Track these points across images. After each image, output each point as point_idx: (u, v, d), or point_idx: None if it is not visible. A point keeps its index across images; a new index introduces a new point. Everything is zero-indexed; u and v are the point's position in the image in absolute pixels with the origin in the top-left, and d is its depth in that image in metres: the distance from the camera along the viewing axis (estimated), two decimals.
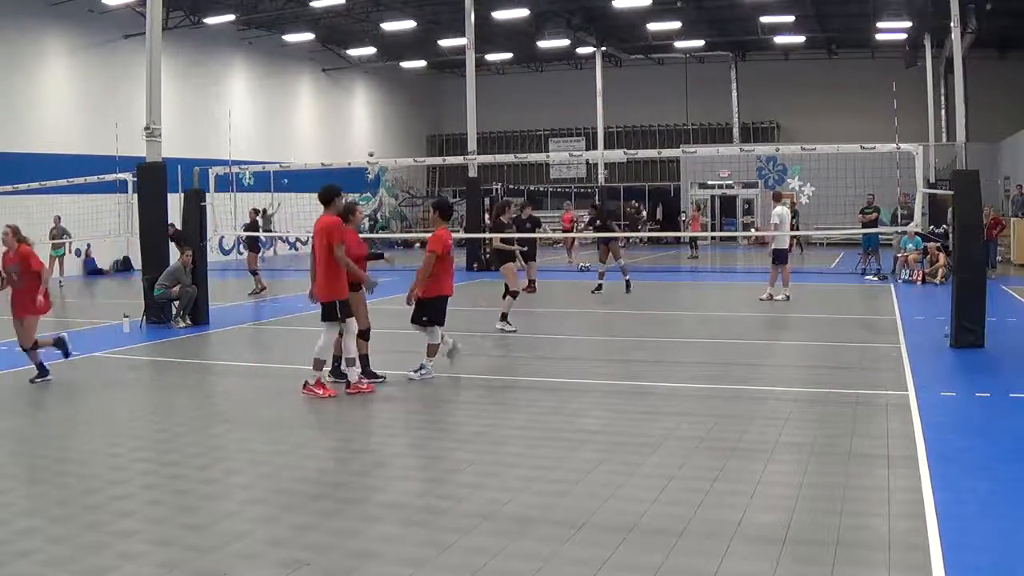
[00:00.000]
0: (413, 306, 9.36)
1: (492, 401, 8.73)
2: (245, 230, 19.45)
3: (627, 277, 17.54)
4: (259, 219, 20.00)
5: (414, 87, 41.86)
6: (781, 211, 16.53)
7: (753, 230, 32.36)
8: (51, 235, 21.14)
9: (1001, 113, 31.39)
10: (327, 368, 8.90)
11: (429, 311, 9.28)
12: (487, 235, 18.48)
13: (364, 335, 9.12)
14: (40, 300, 9.46)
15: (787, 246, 16.66)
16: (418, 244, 34.70)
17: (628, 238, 29.56)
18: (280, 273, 25.60)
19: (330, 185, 8.99)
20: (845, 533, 4.89)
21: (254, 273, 19.08)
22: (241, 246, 27.69)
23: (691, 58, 38.00)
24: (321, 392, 8.51)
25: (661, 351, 11.30)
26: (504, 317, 12.55)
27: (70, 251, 23.92)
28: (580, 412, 8.07)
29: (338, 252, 8.47)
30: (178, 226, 16.31)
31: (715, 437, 6.99)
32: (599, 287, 17.49)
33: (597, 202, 22.88)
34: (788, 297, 15.92)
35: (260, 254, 20.51)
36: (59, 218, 21.33)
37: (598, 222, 18.92)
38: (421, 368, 9.33)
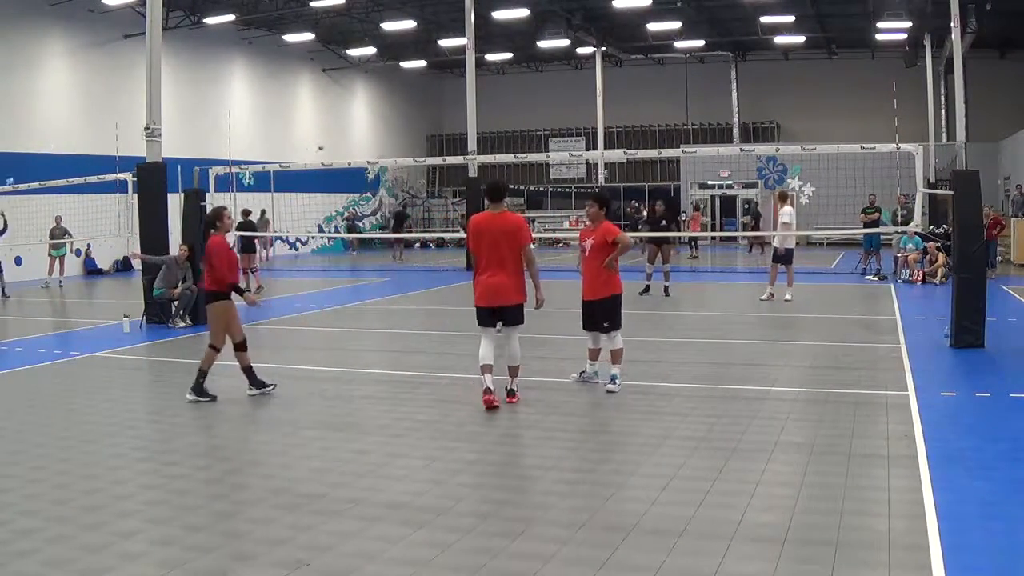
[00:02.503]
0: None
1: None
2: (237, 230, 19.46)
3: (668, 283, 17.20)
4: (251, 219, 20.14)
5: (414, 87, 41.87)
6: (791, 210, 16.56)
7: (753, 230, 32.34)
8: (51, 235, 21.17)
9: (1001, 113, 31.44)
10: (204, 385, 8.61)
11: (609, 314, 8.65)
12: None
13: (242, 346, 8.77)
14: None
15: (793, 246, 16.67)
16: (418, 244, 34.79)
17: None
18: (280, 273, 25.62)
19: (502, 181, 8.59)
20: (845, 533, 4.89)
21: (245, 272, 19.33)
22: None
23: (691, 58, 38.02)
24: (517, 398, 8.27)
25: (661, 351, 11.29)
26: None
27: (70, 251, 23.93)
28: (580, 412, 8.07)
29: (529, 252, 8.19)
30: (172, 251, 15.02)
31: (715, 437, 6.99)
32: (647, 288, 17.09)
33: (657, 203, 20.24)
34: (790, 298, 15.88)
35: (256, 255, 20.61)
36: (60, 218, 21.34)
37: (663, 221, 18.19)
38: (614, 380, 8.64)
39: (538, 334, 12.58)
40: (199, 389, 8.58)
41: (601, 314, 8.66)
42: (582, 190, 39.23)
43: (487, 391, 8.01)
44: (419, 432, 7.38)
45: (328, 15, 30.40)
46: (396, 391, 9.08)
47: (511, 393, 8.28)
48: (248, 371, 8.78)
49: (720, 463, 6.24)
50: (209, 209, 14.33)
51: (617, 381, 8.64)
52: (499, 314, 8.12)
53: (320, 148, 34.58)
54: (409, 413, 8.08)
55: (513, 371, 8.29)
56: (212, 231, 8.77)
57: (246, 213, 19.96)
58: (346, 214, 36.38)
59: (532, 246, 8.44)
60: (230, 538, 4.99)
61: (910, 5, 26.41)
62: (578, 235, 9.33)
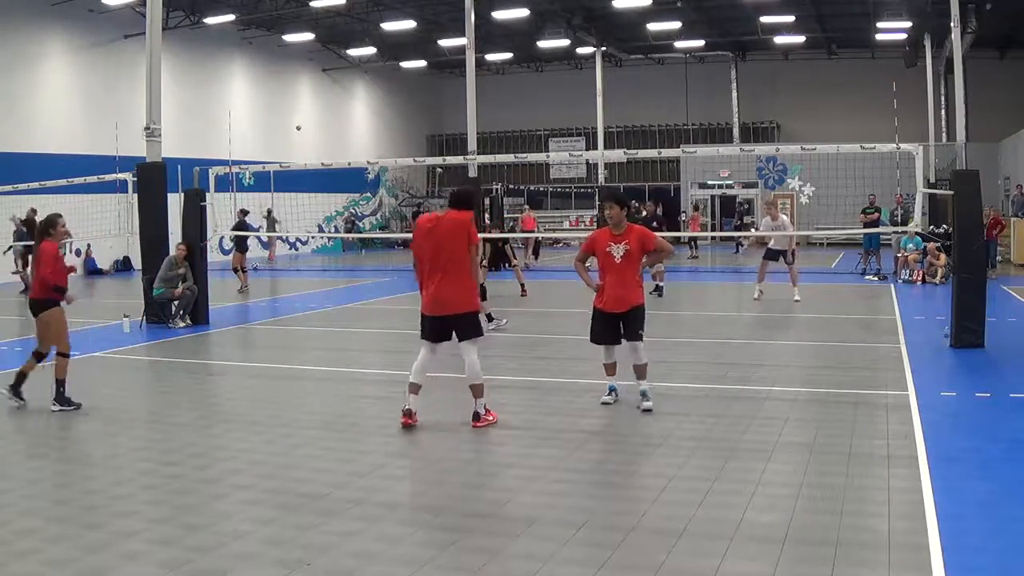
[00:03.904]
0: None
1: (492, 402, 8.71)
2: (234, 229, 19.46)
3: (661, 283, 17.19)
4: (247, 220, 20.21)
5: (414, 87, 41.86)
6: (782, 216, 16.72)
7: (753, 230, 32.36)
8: None
9: (1001, 113, 31.43)
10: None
11: (642, 322, 7.89)
12: (489, 236, 18.26)
13: (65, 356, 8.55)
14: None
15: (785, 247, 16.69)
16: None
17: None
18: (280, 273, 25.62)
19: (467, 190, 7.82)
20: (845, 533, 4.89)
21: (235, 271, 19.50)
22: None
23: (691, 58, 38.02)
24: (492, 418, 7.44)
25: (661, 351, 11.27)
26: (489, 317, 12.46)
27: (70, 251, 23.91)
28: (580, 412, 8.06)
29: (474, 254, 7.30)
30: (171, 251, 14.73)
31: (715, 437, 6.99)
32: (656, 288, 16.86)
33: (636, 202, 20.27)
34: (799, 299, 15.70)
35: (247, 254, 20.76)
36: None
37: (654, 223, 18.02)
38: (646, 395, 7.89)
39: (537, 334, 12.59)
40: (62, 398, 8.30)
41: (637, 323, 7.85)
42: (582, 190, 39.23)
43: (406, 413, 7.36)
44: (419, 432, 7.38)
45: (328, 15, 30.39)
46: (396, 391, 9.06)
47: (477, 417, 7.39)
48: (61, 384, 8.44)
49: (720, 463, 6.24)
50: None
51: (649, 395, 7.94)
52: (450, 326, 7.32)
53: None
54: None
55: (476, 391, 7.38)
56: (45, 237, 8.59)
57: (244, 213, 19.98)
58: (345, 215, 36.41)
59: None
60: (230, 538, 4.98)
61: (910, 5, 26.40)
62: (589, 238, 8.31)
